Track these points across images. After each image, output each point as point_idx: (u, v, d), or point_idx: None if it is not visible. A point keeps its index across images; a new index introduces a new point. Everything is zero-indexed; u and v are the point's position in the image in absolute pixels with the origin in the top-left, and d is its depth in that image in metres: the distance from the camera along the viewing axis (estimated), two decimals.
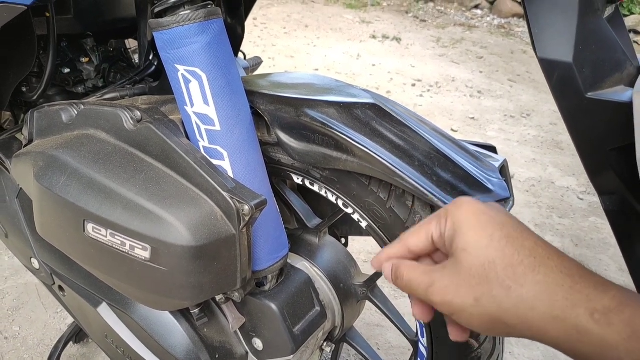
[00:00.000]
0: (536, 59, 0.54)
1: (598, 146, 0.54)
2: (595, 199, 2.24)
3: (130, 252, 0.68)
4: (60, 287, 0.94)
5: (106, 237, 0.69)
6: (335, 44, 4.26)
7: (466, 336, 0.49)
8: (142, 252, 0.67)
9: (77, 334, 1.31)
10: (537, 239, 0.43)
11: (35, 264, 0.96)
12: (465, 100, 3.29)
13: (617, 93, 0.52)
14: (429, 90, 3.40)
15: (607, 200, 0.58)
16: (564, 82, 0.51)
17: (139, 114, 0.74)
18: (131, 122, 0.73)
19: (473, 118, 3.02)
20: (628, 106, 0.51)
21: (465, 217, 0.44)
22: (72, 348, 1.37)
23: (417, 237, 0.47)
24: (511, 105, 3.23)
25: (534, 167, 2.50)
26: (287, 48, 4.04)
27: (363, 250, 1.81)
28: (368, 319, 1.52)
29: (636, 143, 0.48)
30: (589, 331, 0.38)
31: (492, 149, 0.89)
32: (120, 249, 0.69)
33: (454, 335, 0.48)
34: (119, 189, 0.68)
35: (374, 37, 4.51)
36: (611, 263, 1.84)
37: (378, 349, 1.42)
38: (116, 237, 0.68)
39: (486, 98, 3.34)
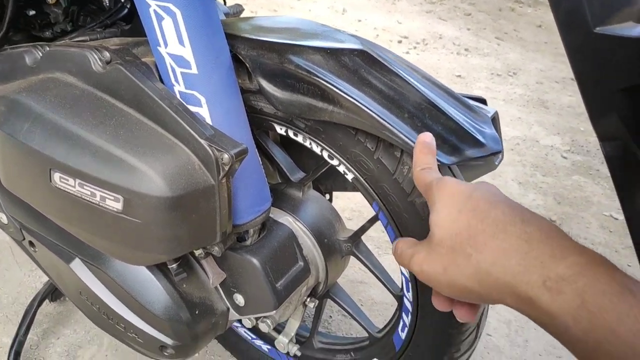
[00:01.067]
0: (524, 18, 0.50)
1: (603, 86, 0.50)
2: (579, 157, 2.24)
3: (101, 204, 0.64)
4: (31, 243, 0.90)
5: (74, 187, 0.64)
6: None
7: (449, 307, 0.52)
8: (114, 204, 0.63)
9: (52, 292, 1.28)
10: (508, 208, 0.45)
11: (3, 218, 0.91)
12: (452, 58, 3.23)
13: (627, 28, 0.48)
14: (415, 47, 3.33)
15: (607, 146, 0.55)
16: (571, 16, 0.47)
17: (108, 55, 0.68)
18: (100, 63, 0.68)
19: (459, 76, 2.97)
20: (637, 43, 0.47)
21: (442, 197, 0.48)
22: (48, 306, 1.34)
23: None
24: (498, 64, 3.18)
25: (519, 126, 2.48)
26: (270, 1, 3.89)
27: (347, 207, 1.79)
28: (351, 275, 1.51)
29: None
30: (539, 299, 0.38)
31: (483, 102, 0.85)
32: (90, 200, 0.64)
33: (438, 304, 0.52)
34: (87, 135, 0.63)
35: None
36: (593, 221, 1.85)
37: (361, 305, 1.42)
38: (85, 187, 0.64)
39: (473, 56, 3.28)
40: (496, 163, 0.92)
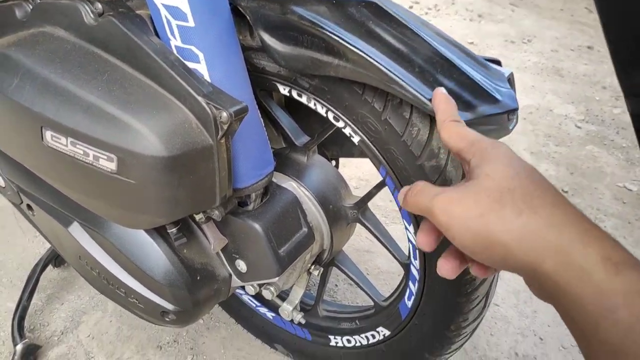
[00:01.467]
0: None
1: (632, 36, 0.46)
2: (593, 127, 2.18)
3: (94, 163, 0.61)
4: (29, 206, 0.88)
5: (67, 146, 0.62)
6: None
7: (458, 268, 0.49)
8: (108, 163, 0.60)
9: (56, 258, 1.27)
10: (560, 195, 0.43)
11: (0, 181, 0.89)
12: (465, 25, 3.13)
13: None
14: (427, 13, 3.23)
15: (634, 102, 0.50)
16: None
17: (100, 6, 0.64)
18: (91, 15, 0.64)
19: (472, 43, 2.89)
20: None
21: (499, 154, 0.46)
22: (52, 272, 1.34)
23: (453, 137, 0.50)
24: (512, 31, 3.08)
25: (533, 94, 2.41)
26: None
27: (354, 176, 1.76)
28: (357, 244, 1.49)
29: None
30: (594, 272, 0.37)
31: (498, 63, 0.80)
32: (84, 159, 0.61)
33: (446, 268, 0.49)
34: (79, 91, 0.60)
35: None
36: (606, 192, 1.81)
37: (367, 274, 1.40)
38: (78, 146, 0.61)
39: (486, 22, 3.18)
40: (510, 128, 0.88)
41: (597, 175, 1.89)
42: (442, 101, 0.54)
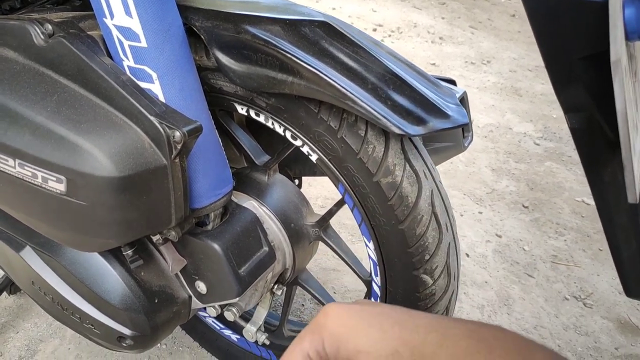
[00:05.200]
0: (497, 7, 0.48)
1: (567, 53, 0.48)
2: (551, 144, 2.25)
3: (43, 185, 0.59)
4: None
5: (14, 167, 0.60)
6: None
7: None
8: (57, 185, 0.59)
9: (11, 284, 1.22)
10: (425, 315, 0.38)
11: None
12: (427, 46, 3.21)
13: None
14: (390, 36, 3.30)
15: (573, 117, 0.53)
16: None
17: (50, 27, 0.63)
18: (41, 36, 0.63)
19: (434, 64, 2.96)
20: (602, 6, 0.44)
21: (343, 322, 0.38)
22: (7, 299, 1.29)
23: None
24: (472, 52, 3.18)
25: (493, 113, 2.48)
26: None
27: (320, 195, 1.76)
28: (324, 263, 1.48)
29: (610, 48, 0.42)
30: None
31: (452, 83, 0.83)
32: (32, 181, 0.60)
33: None
34: (27, 112, 0.59)
35: None
36: (565, 206, 1.86)
37: (334, 292, 1.40)
38: (26, 167, 0.59)
39: (447, 44, 3.27)
40: (465, 145, 0.90)
41: (556, 190, 1.95)
42: None
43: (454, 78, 0.82)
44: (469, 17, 3.79)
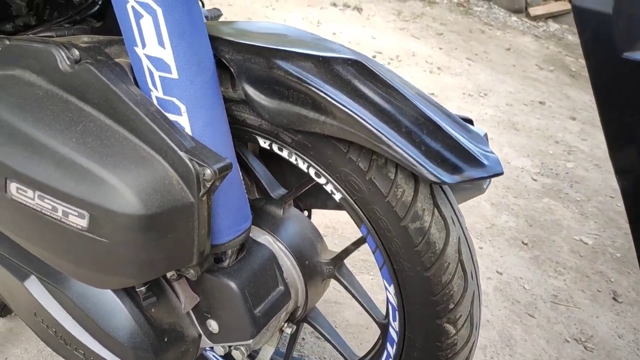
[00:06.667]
0: (493, 40, 0.47)
1: (626, 115, 0.47)
2: (548, 180, 2.26)
3: (63, 220, 0.56)
4: None
5: (33, 199, 0.57)
6: (294, 8, 4.08)
7: None
8: (78, 220, 0.56)
9: (2, 307, 1.17)
10: None
11: None
12: (426, 76, 3.24)
13: None
14: (389, 63, 3.32)
15: (624, 178, 0.51)
16: (599, 38, 0.44)
17: (77, 52, 0.61)
18: (67, 62, 0.60)
19: (433, 94, 2.98)
20: None
21: None
22: None
23: None
24: (469, 84, 3.22)
25: (491, 147, 2.49)
26: (245, 9, 3.84)
27: (321, 223, 1.74)
28: (325, 295, 1.45)
29: None
30: None
31: (470, 122, 0.82)
32: (51, 215, 0.57)
33: None
34: (50, 141, 0.56)
35: (334, 4, 4.37)
36: (564, 245, 1.86)
37: (336, 327, 1.36)
38: (46, 200, 0.56)
39: (445, 75, 3.31)
40: (484, 187, 0.89)
41: (555, 228, 1.95)
42: None
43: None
44: (466, 48, 3.85)
